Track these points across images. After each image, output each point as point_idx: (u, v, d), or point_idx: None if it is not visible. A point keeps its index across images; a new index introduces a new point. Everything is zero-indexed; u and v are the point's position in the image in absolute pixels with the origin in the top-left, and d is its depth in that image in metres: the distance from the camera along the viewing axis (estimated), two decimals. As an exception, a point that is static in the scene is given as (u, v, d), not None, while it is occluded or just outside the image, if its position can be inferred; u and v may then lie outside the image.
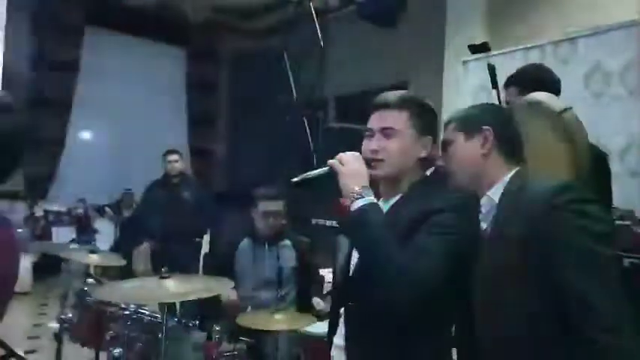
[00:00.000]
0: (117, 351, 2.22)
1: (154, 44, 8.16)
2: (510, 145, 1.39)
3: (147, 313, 2.36)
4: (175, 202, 4.50)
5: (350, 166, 1.33)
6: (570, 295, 1.12)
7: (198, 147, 8.58)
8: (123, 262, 2.93)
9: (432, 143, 1.44)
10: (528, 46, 4.39)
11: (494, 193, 1.32)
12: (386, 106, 1.41)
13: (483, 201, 1.35)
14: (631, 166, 3.77)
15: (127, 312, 2.34)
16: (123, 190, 7.22)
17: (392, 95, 1.42)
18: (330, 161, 1.35)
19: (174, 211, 4.45)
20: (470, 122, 1.39)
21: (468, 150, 1.37)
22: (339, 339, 1.44)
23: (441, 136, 1.47)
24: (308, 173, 1.35)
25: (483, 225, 1.35)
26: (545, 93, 1.98)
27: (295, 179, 1.36)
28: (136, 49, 8.07)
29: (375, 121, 1.41)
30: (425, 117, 1.44)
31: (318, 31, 5.35)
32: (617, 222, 2.83)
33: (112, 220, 7.10)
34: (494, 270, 1.25)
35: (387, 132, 1.38)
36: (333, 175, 1.33)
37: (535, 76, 2.24)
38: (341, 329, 1.44)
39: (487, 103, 1.62)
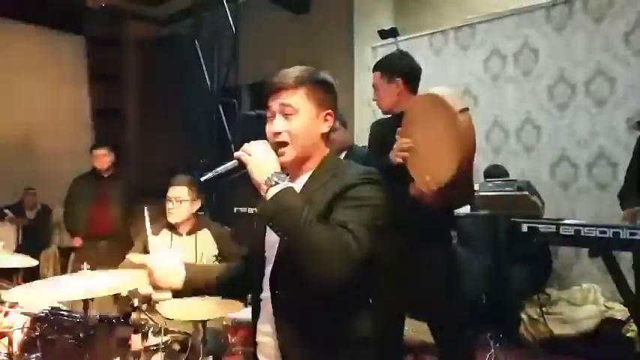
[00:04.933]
0: (33, 356, 2.10)
1: (50, 32, 7.57)
2: None
3: (65, 313, 2.26)
4: (104, 198, 4.34)
5: (257, 154, 1.30)
6: None
7: (106, 140, 8.15)
8: (35, 263, 2.74)
9: (333, 117, 1.42)
10: (431, 32, 4.62)
11: None
12: (283, 86, 1.38)
13: None
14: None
15: (41, 314, 2.22)
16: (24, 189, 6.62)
17: (287, 75, 1.40)
18: (237, 153, 1.32)
19: (104, 206, 4.30)
20: None
21: None
22: (263, 325, 1.41)
23: None
24: (216, 170, 1.33)
25: None
26: (448, 89, 2.02)
27: (204, 177, 1.34)
28: (32, 37, 7.43)
29: (274, 102, 1.38)
30: (323, 91, 1.41)
31: (229, 17, 5.28)
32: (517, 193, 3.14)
33: (12, 223, 6.37)
34: None
35: (286, 111, 1.36)
36: (242, 167, 1.31)
37: (396, 62, 2.41)
38: (265, 315, 1.40)
39: None
